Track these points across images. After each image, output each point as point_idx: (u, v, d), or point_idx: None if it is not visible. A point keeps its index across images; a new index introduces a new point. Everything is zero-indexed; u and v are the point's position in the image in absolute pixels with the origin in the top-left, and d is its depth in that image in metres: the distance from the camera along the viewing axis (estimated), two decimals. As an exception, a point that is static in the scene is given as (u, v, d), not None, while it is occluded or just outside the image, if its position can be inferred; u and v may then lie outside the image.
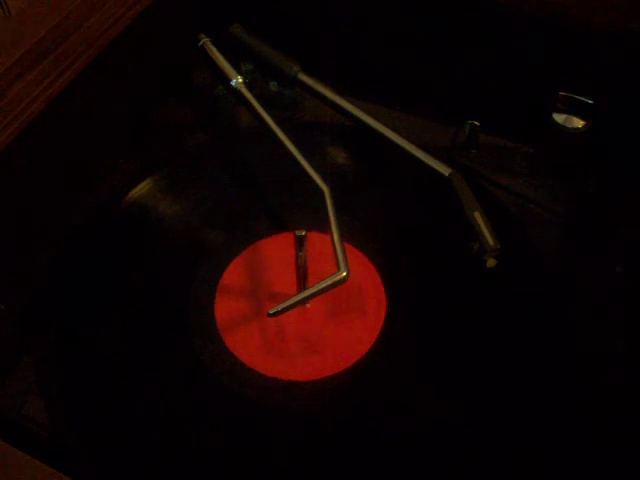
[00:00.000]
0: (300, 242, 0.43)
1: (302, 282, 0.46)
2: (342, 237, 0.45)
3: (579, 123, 0.52)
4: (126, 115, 0.57)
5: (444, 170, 0.50)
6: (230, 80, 0.55)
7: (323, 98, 0.55)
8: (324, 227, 0.46)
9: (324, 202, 0.47)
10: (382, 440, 0.42)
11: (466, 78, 0.57)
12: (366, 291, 0.48)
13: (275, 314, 0.42)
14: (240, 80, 0.55)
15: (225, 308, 0.47)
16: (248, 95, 0.55)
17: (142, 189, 0.53)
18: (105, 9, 0.51)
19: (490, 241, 0.46)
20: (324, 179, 0.48)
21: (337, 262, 0.43)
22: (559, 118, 0.52)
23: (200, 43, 0.58)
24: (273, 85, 0.60)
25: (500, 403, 0.43)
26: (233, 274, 0.49)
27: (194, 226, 0.52)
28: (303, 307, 0.47)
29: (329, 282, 0.42)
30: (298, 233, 0.43)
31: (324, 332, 0.46)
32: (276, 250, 0.50)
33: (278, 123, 0.52)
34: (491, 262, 0.46)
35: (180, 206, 0.53)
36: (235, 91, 0.55)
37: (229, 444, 0.42)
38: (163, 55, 0.60)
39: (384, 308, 0.47)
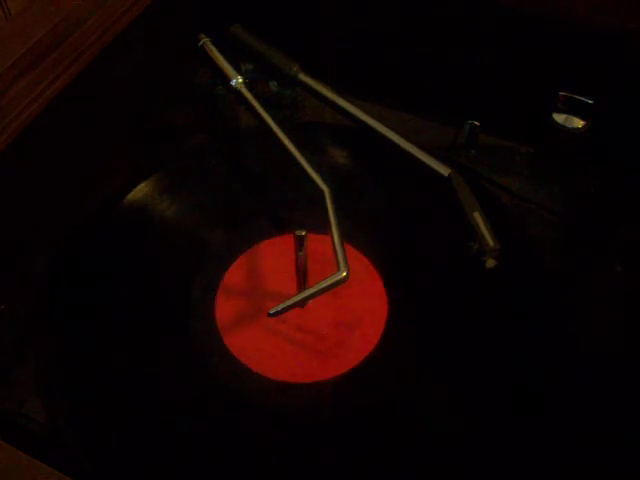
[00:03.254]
0: (300, 242, 0.43)
1: (302, 282, 0.46)
2: (342, 237, 0.45)
3: (579, 123, 0.52)
4: (126, 115, 0.57)
5: (444, 170, 0.50)
6: (230, 80, 0.55)
7: (323, 98, 0.55)
8: (324, 227, 0.46)
9: (324, 202, 0.47)
10: (382, 442, 0.41)
11: (466, 78, 0.57)
12: (367, 292, 0.48)
13: (275, 314, 0.42)
14: (240, 80, 0.55)
15: (226, 309, 0.47)
16: (248, 95, 0.55)
17: (142, 189, 0.53)
18: (105, 9, 0.51)
19: (490, 241, 0.46)
20: (324, 179, 0.48)
21: (337, 262, 0.43)
22: (559, 118, 0.52)
23: (200, 43, 0.58)
24: (273, 85, 0.60)
25: (500, 403, 0.43)
26: (234, 275, 0.49)
27: (194, 226, 0.52)
28: (304, 308, 0.47)
29: (329, 282, 0.42)
30: (298, 233, 0.43)
31: (325, 333, 0.46)
32: (277, 251, 0.50)
33: (278, 123, 0.52)
34: (491, 262, 0.46)
35: (180, 206, 0.53)
36: (235, 91, 0.55)
37: (229, 444, 0.42)
38: (163, 55, 0.60)
39: (385, 309, 0.47)
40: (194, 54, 0.58)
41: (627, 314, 0.46)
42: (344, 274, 0.42)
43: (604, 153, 0.53)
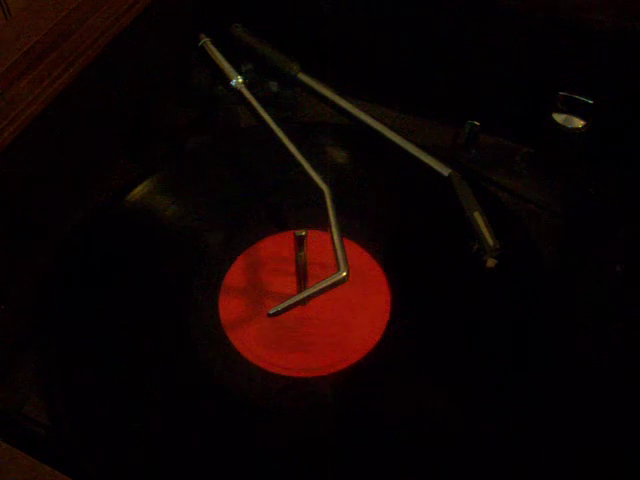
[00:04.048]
0: (300, 242, 0.43)
1: (302, 282, 0.46)
2: (342, 237, 0.45)
3: (579, 123, 0.52)
4: (126, 115, 0.57)
5: (444, 170, 0.50)
6: (230, 80, 0.55)
7: (323, 98, 0.55)
8: (324, 227, 0.46)
9: (324, 202, 0.47)
10: (384, 438, 0.42)
11: (466, 78, 0.57)
12: (370, 289, 0.48)
13: (275, 314, 0.42)
14: (240, 80, 0.55)
15: (229, 307, 0.47)
16: (248, 95, 0.55)
17: (142, 189, 0.53)
18: (105, 9, 0.51)
19: (490, 241, 0.46)
20: (324, 179, 0.48)
21: (337, 262, 0.43)
22: (559, 118, 0.52)
23: (200, 43, 0.58)
24: (273, 85, 0.60)
25: (500, 402, 0.43)
26: (236, 273, 0.49)
27: (194, 226, 0.52)
28: (306, 305, 0.47)
29: (329, 282, 0.42)
30: (298, 233, 0.43)
31: (328, 330, 0.46)
32: (278, 249, 0.50)
33: (278, 123, 0.52)
34: (491, 262, 0.46)
35: (180, 206, 0.53)
36: (235, 91, 0.55)
37: (232, 442, 0.42)
38: (163, 55, 0.60)
39: (388, 308, 0.47)
40: (194, 54, 0.58)
41: (627, 314, 0.46)
42: (344, 274, 0.42)
43: (604, 153, 0.53)
